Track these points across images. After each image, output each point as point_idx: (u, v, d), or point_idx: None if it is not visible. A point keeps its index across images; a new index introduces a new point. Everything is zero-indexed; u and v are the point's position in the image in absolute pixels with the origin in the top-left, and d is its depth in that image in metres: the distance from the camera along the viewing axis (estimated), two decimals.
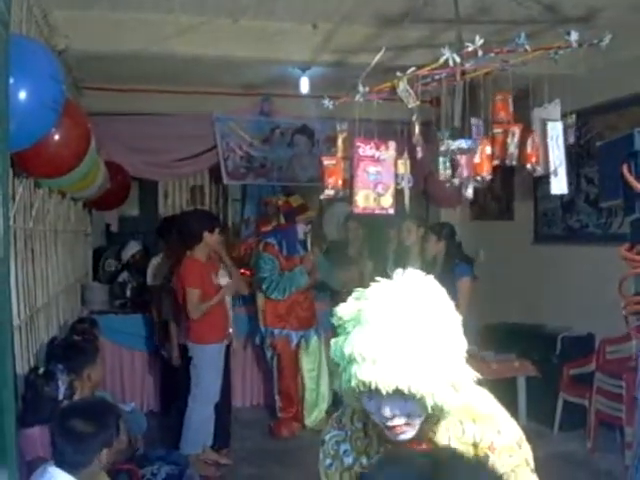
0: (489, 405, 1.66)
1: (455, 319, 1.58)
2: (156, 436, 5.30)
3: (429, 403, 1.46)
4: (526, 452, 1.64)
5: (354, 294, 1.58)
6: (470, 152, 3.35)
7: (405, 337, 1.45)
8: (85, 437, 2.48)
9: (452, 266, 5.32)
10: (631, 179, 1.47)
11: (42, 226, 4.42)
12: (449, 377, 1.47)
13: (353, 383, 1.46)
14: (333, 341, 1.56)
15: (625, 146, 1.55)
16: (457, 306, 1.66)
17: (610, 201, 1.74)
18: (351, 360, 1.47)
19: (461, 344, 1.54)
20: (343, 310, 1.56)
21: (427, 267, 5.58)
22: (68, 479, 2.42)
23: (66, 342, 3.93)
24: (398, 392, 1.43)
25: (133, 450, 3.81)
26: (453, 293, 5.15)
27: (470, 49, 3.08)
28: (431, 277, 1.66)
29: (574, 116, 3.56)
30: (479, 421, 1.61)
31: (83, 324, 4.80)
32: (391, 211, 3.77)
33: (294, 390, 5.98)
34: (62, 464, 2.44)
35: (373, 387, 1.43)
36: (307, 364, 6.06)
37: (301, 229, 5.89)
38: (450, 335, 1.52)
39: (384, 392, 1.43)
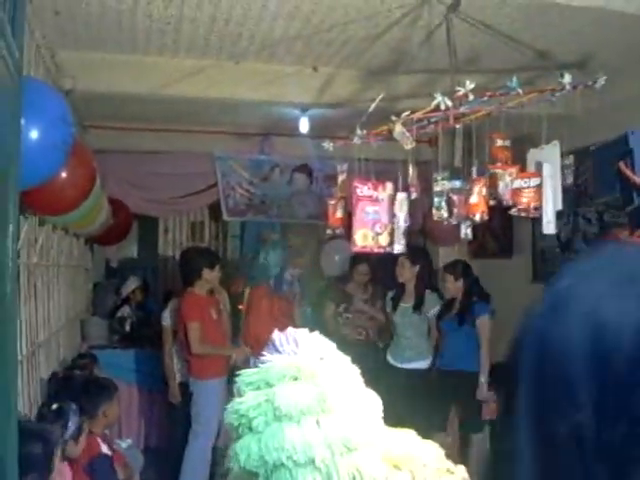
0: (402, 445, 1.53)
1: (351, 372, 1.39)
2: (154, 473, 5.28)
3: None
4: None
5: (247, 378, 1.36)
6: (464, 192, 3.42)
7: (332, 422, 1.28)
8: None
9: (470, 305, 5.32)
10: (629, 173, 1.59)
11: (45, 261, 4.47)
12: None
13: None
14: (239, 447, 1.31)
15: (619, 146, 1.67)
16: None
17: (606, 197, 1.85)
18: (277, 466, 1.26)
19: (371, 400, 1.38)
20: (246, 406, 1.31)
21: (446, 309, 5.57)
22: None
23: (84, 378, 3.96)
24: None
25: None
26: (470, 334, 5.23)
27: (461, 93, 3.18)
28: (317, 334, 1.47)
29: (572, 157, 3.62)
30: (404, 465, 1.47)
31: (83, 360, 4.84)
32: (389, 250, 3.84)
33: None
34: None
35: None
36: None
37: (289, 272, 6.05)
38: (359, 393, 1.38)
39: None
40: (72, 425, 3.09)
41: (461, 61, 4.14)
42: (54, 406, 3.17)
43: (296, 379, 1.30)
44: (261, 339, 5.92)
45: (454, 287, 5.45)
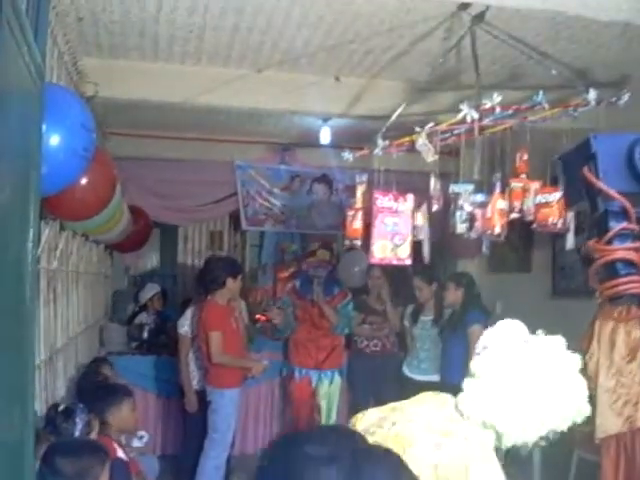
0: None
1: None
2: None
3: None
4: None
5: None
6: (484, 206, 3.40)
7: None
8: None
9: (465, 314, 5.32)
10: (591, 177, 1.58)
11: (65, 267, 4.49)
12: None
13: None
14: None
15: (583, 151, 1.66)
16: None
17: (576, 204, 1.83)
18: None
19: None
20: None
21: (450, 318, 5.56)
22: None
23: (95, 384, 3.96)
24: None
25: None
26: (463, 344, 5.21)
27: (488, 106, 3.16)
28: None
29: None
30: None
31: (96, 363, 4.88)
32: (408, 262, 3.81)
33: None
34: None
35: None
36: (321, 407, 5.92)
37: (310, 273, 6.06)
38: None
39: None
40: (80, 422, 3.10)
41: (486, 74, 4.12)
42: (61, 407, 3.17)
43: None
44: (294, 342, 5.96)
45: (454, 296, 5.48)
